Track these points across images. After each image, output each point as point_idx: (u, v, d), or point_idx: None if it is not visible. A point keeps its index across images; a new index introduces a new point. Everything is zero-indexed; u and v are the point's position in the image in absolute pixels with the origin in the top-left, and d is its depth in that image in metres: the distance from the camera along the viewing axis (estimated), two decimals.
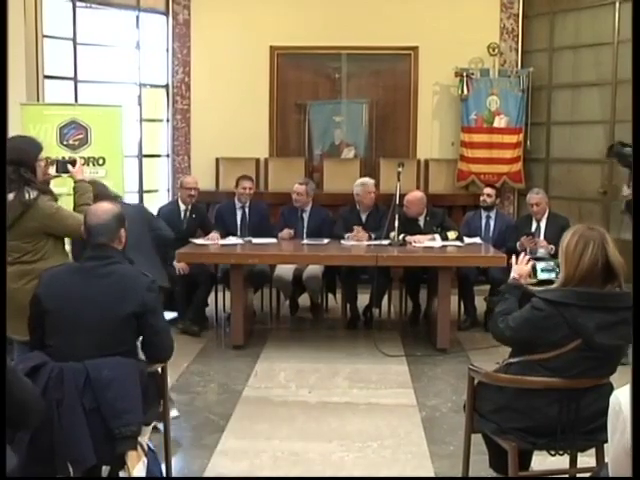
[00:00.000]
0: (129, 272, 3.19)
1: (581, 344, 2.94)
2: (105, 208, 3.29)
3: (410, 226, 6.57)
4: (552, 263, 3.35)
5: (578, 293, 2.95)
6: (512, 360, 3.17)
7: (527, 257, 3.41)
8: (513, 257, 3.46)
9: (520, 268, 3.36)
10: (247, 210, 6.99)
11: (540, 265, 3.36)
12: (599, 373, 3.04)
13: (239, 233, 6.83)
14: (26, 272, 3.87)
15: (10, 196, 3.79)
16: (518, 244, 6.48)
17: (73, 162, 4.29)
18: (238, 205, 7.01)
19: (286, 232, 6.76)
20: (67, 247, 4.16)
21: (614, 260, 2.93)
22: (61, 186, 4.49)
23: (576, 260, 2.95)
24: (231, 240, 6.55)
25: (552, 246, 6.17)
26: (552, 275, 3.33)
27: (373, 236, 6.53)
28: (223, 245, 6.38)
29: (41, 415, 2.42)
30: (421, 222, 6.73)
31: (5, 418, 2.05)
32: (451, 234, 6.52)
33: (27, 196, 3.82)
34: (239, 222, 6.97)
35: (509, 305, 3.21)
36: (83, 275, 3.14)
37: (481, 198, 7.14)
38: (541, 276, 3.35)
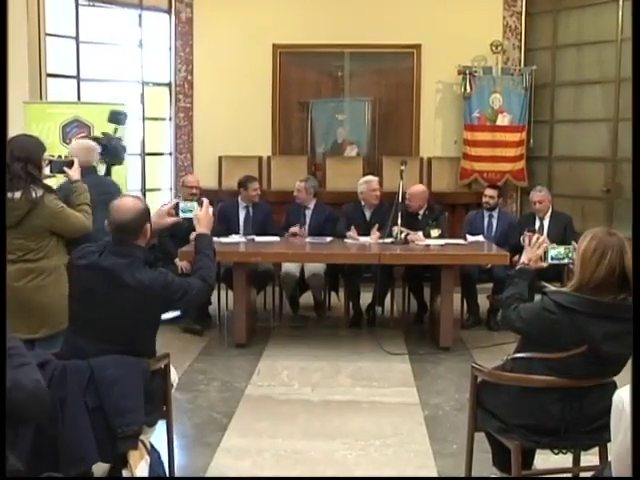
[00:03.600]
0: (146, 279, 3.10)
1: (587, 350, 2.92)
2: (129, 205, 3.21)
3: (410, 220, 6.58)
4: (563, 251, 3.33)
5: (590, 301, 2.91)
6: (517, 355, 3.17)
7: (542, 239, 3.36)
8: (526, 239, 3.43)
9: (532, 252, 3.33)
10: (251, 209, 6.98)
11: (552, 252, 3.34)
12: (602, 376, 3.04)
13: (242, 232, 6.82)
14: (29, 270, 3.89)
15: (17, 194, 3.81)
16: (522, 237, 6.47)
17: (70, 163, 4.29)
18: (242, 204, 7.00)
19: (293, 229, 6.79)
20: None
21: (629, 269, 2.86)
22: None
23: (593, 267, 2.91)
24: (234, 238, 6.55)
25: (554, 245, 6.15)
26: (563, 261, 3.33)
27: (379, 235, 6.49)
28: (225, 243, 6.38)
29: (45, 408, 2.33)
30: (420, 216, 6.78)
31: (5, 417, 2.04)
32: (434, 232, 6.57)
33: (34, 194, 3.84)
34: (242, 221, 6.97)
35: (520, 289, 3.19)
36: (104, 275, 3.09)
37: (483, 200, 7.11)
38: (551, 262, 3.34)
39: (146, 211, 3.27)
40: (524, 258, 3.35)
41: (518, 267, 3.36)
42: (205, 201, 3.62)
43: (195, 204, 3.63)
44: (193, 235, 6.35)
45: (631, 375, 2.00)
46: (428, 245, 6.33)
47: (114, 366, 3.02)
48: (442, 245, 6.32)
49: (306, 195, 6.95)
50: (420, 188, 6.93)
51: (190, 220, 3.46)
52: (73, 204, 4.10)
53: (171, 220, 3.63)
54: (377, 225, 6.57)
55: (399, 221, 6.29)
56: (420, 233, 6.47)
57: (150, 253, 3.29)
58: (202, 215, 3.58)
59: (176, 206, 3.64)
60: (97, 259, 3.14)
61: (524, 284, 3.23)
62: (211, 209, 3.62)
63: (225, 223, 6.86)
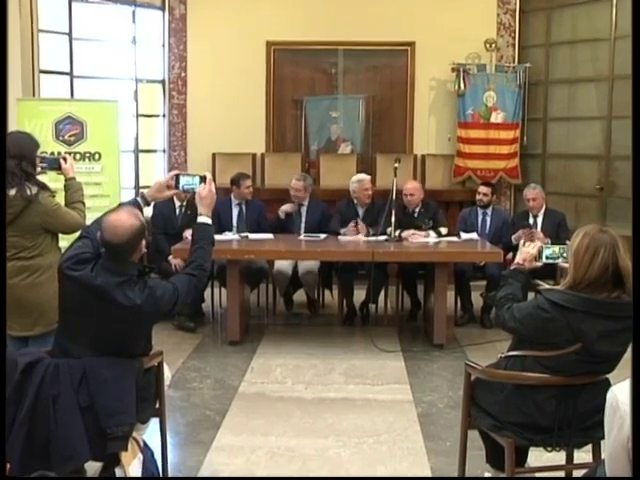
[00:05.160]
0: (139, 298, 3.00)
1: (581, 349, 2.92)
2: (125, 225, 3.02)
3: (406, 218, 6.60)
4: (557, 250, 3.33)
5: (584, 299, 2.90)
6: (511, 353, 3.17)
7: (537, 234, 3.38)
8: (523, 237, 3.44)
9: (525, 251, 3.33)
10: (244, 207, 6.97)
11: (546, 252, 3.35)
12: (596, 374, 3.04)
13: (235, 229, 6.81)
14: (24, 268, 3.88)
15: (12, 191, 3.78)
16: (514, 237, 6.48)
17: (64, 159, 4.25)
18: (235, 202, 6.98)
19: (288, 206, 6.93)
20: (60, 243, 4.13)
21: (623, 267, 2.85)
22: (55, 181, 4.46)
23: (585, 265, 2.89)
24: (227, 236, 6.53)
25: (548, 239, 6.17)
26: (557, 261, 3.34)
27: (372, 232, 6.51)
28: (219, 241, 6.35)
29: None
30: (416, 214, 6.80)
31: (5, 419, 2.03)
32: (443, 230, 6.61)
33: (28, 191, 3.82)
34: (235, 218, 6.95)
35: (513, 290, 3.19)
36: (96, 294, 2.99)
37: (477, 197, 7.09)
38: (546, 262, 3.34)
39: (142, 228, 3.10)
40: (518, 258, 3.35)
41: (512, 267, 3.36)
42: (208, 177, 3.43)
43: (197, 179, 3.44)
44: (186, 233, 6.44)
45: (631, 375, 1.99)
46: (421, 243, 6.33)
47: (107, 366, 3.00)
48: (436, 242, 6.33)
49: (304, 193, 6.94)
50: (417, 184, 6.99)
51: (185, 215, 3.38)
52: (68, 201, 4.08)
53: (170, 193, 3.54)
54: (357, 222, 6.59)
55: (393, 219, 6.29)
56: (412, 230, 6.48)
57: (142, 265, 3.20)
58: (205, 193, 3.38)
59: (176, 178, 3.47)
60: (89, 274, 3.00)
61: (518, 284, 3.23)
62: (213, 186, 3.43)
63: (218, 220, 6.83)
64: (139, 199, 3.42)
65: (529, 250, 3.33)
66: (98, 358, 3.01)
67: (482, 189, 7.13)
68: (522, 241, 3.42)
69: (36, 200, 3.84)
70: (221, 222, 6.81)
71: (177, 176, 3.48)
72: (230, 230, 6.76)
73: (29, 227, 3.88)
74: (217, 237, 6.20)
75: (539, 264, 3.35)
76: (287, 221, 6.94)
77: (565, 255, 3.25)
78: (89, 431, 2.91)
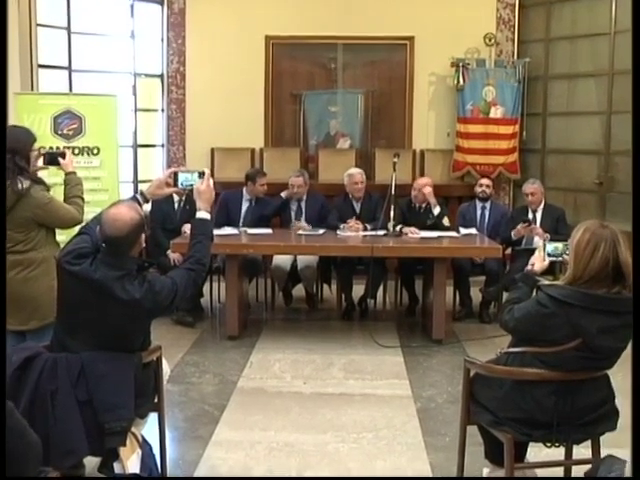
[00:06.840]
0: (137, 293, 2.99)
1: (580, 344, 2.91)
2: (125, 219, 3.02)
3: (412, 214, 6.60)
4: (560, 247, 3.33)
5: (584, 294, 2.89)
6: (511, 350, 3.16)
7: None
8: (522, 231, 3.43)
9: (539, 258, 3.32)
10: (254, 203, 6.97)
11: (549, 248, 3.34)
12: (595, 369, 3.03)
13: (241, 223, 6.80)
14: (18, 262, 3.87)
15: None
16: (513, 232, 6.45)
17: (63, 154, 4.24)
18: (246, 197, 6.97)
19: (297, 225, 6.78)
20: (58, 237, 4.12)
21: (623, 261, 2.85)
22: (55, 176, 4.45)
23: (586, 259, 2.89)
24: (226, 230, 6.52)
25: (547, 235, 6.16)
26: (559, 259, 3.33)
27: (369, 227, 6.51)
28: (218, 235, 6.34)
29: (38, 460, 2.28)
30: (422, 209, 6.79)
31: (5, 417, 2.02)
32: (445, 220, 6.60)
33: (20, 185, 3.80)
34: (243, 213, 6.94)
35: (520, 295, 3.19)
36: (94, 288, 2.98)
37: (479, 189, 7.04)
38: (548, 259, 3.34)
39: (142, 222, 3.11)
40: (531, 262, 3.34)
41: (525, 271, 3.35)
42: (206, 173, 3.43)
43: (196, 174, 3.45)
44: (185, 227, 6.42)
45: (631, 372, 1.98)
46: (421, 238, 6.32)
47: (105, 360, 2.99)
48: (435, 238, 6.32)
49: (304, 188, 6.94)
50: (429, 180, 6.91)
51: (183, 210, 3.36)
52: (66, 196, 4.07)
53: (169, 190, 3.53)
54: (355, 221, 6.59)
55: (392, 213, 6.28)
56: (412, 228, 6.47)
57: (141, 260, 3.19)
58: (203, 188, 3.39)
59: (174, 176, 3.47)
60: (88, 269, 2.99)
61: (526, 288, 3.22)
62: (212, 181, 3.43)
63: (225, 213, 6.83)
64: (138, 196, 3.42)
65: (541, 257, 3.33)
66: (96, 353, 3.01)
67: (484, 181, 7.11)
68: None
69: (28, 194, 3.83)
70: (229, 215, 6.81)
71: (175, 173, 3.48)
72: (237, 224, 6.74)
73: (21, 221, 3.86)
74: (216, 232, 6.27)
75: (546, 263, 3.34)
76: (287, 209, 6.99)
77: (568, 252, 3.24)
78: (87, 426, 2.90)
